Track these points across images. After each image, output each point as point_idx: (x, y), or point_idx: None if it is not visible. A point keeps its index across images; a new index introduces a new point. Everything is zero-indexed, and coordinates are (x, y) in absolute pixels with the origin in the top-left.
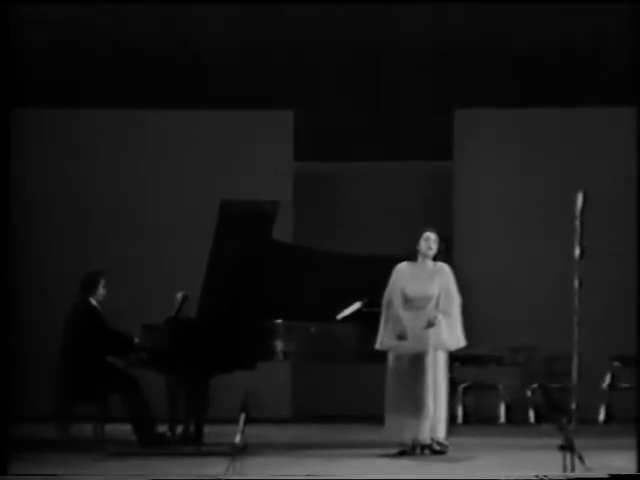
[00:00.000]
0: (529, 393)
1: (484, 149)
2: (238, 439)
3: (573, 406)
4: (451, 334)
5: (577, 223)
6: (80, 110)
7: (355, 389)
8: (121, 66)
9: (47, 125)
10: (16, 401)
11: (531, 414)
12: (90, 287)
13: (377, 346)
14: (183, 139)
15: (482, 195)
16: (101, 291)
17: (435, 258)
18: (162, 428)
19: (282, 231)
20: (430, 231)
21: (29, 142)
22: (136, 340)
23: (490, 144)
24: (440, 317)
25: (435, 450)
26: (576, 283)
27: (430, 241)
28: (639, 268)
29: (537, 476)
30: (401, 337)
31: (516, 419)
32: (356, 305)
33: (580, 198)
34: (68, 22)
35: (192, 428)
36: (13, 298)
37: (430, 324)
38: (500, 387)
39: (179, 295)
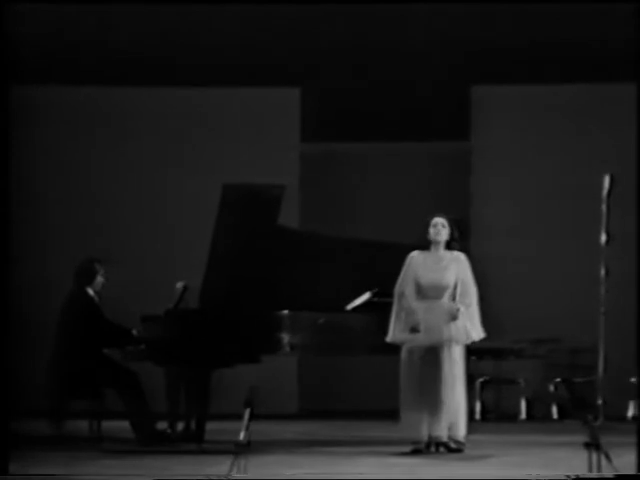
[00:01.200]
0: (552, 388)
1: (504, 128)
2: (242, 436)
3: (599, 401)
4: (468, 326)
5: (603, 207)
6: (77, 88)
7: (366, 383)
8: (121, 43)
9: (46, 103)
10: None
11: (554, 410)
12: (87, 276)
13: (388, 339)
14: (182, 119)
15: (501, 177)
16: (99, 280)
17: (450, 246)
18: (162, 425)
19: (288, 216)
20: (438, 216)
21: (28, 120)
22: (134, 332)
23: (510, 122)
24: (462, 309)
25: (451, 448)
26: (602, 271)
27: (438, 227)
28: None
29: (568, 476)
30: (414, 330)
31: (538, 415)
32: (367, 295)
33: (607, 181)
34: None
35: (193, 425)
36: (13, 291)
37: (453, 317)
38: (520, 381)
39: (179, 285)
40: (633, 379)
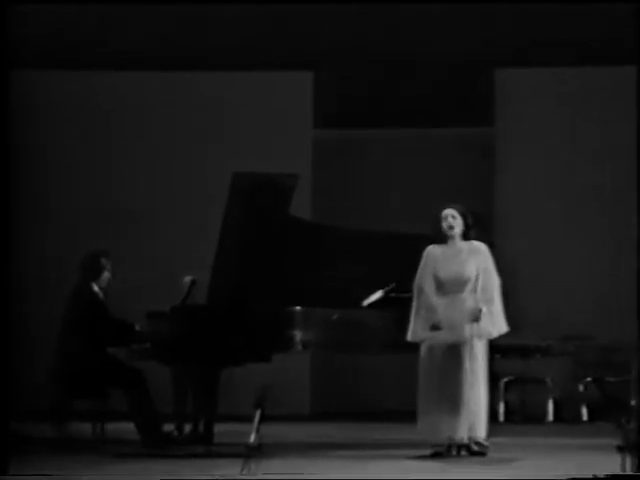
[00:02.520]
0: (582, 387)
1: (530, 113)
2: (252, 439)
3: (633, 402)
4: (491, 320)
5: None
6: (84, 72)
7: (382, 383)
8: (130, 26)
9: (49, 87)
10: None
11: (584, 411)
12: (92, 270)
13: (409, 338)
14: (190, 104)
15: (527, 165)
16: (105, 275)
17: (467, 236)
18: (168, 426)
19: (299, 207)
20: (448, 208)
21: (29, 105)
22: (137, 327)
23: (537, 107)
24: (485, 309)
25: (473, 451)
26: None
27: (448, 219)
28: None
29: (595, 475)
30: (435, 327)
31: (567, 417)
32: (383, 290)
33: None
34: None
35: (201, 427)
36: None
37: (475, 319)
38: (548, 381)
39: (187, 279)
40: None
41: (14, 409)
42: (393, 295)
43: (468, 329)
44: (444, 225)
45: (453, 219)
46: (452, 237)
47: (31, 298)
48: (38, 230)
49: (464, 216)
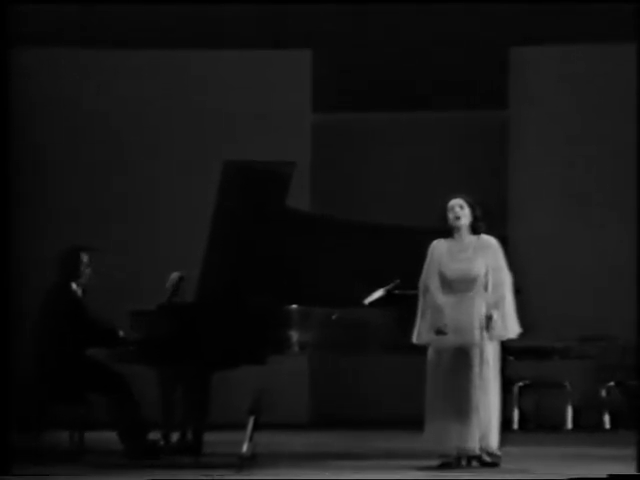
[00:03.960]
0: (604, 393)
1: (547, 95)
2: (245, 448)
3: None
4: (503, 320)
5: None
6: (83, 50)
7: (386, 388)
8: (123, 3)
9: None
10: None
11: (606, 418)
12: (71, 267)
13: (414, 340)
14: (182, 85)
15: (544, 151)
16: (86, 272)
17: (475, 229)
18: (154, 435)
19: (298, 197)
20: (454, 198)
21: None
22: (121, 333)
23: (555, 89)
24: (495, 316)
25: (485, 462)
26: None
27: (455, 210)
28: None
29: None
30: (440, 332)
31: (587, 424)
32: (387, 287)
33: None
34: None
35: (190, 435)
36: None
37: (487, 326)
38: (566, 385)
39: (174, 275)
40: None
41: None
42: (398, 292)
43: (477, 331)
44: (450, 216)
45: (460, 209)
46: (458, 229)
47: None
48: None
49: (472, 207)
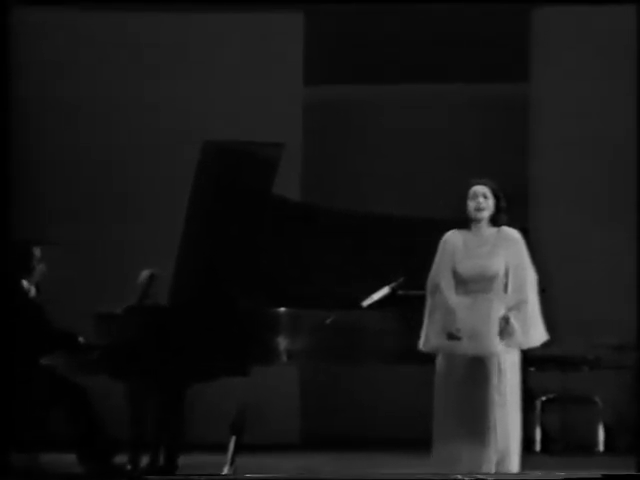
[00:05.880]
0: None
1: (573, 64)
2: (226, 471)
3: None
4: (526, 326)
5: None
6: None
7: (388, 404)
8: None
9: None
10: None
11: None
12: (22, 264)
13: (421, 346)
14: (154, 54)
15: (568, 128)
16: (39, 269)
17: (497, 221)
18: (120, 457)
19: (286, 183)
20: (478, 184)
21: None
22: (80, 339)
23: (583, 57)
24: (512, 317)
25: None
26: None
27: (478, 199)
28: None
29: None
30: (452, 336)
31: (621, 446)
32: (389, 287)
33: None
34: None
35: (163, 457)
36: None
37: (501, 331)
38: (597, 401)
39: (145, 273)
40: None
41: None
42: (401, 293)
43: (495, 337)
44: (472, 206)
45: (484, 199)
46: (478, 222)
47: None
48: None
49: (497, 197)
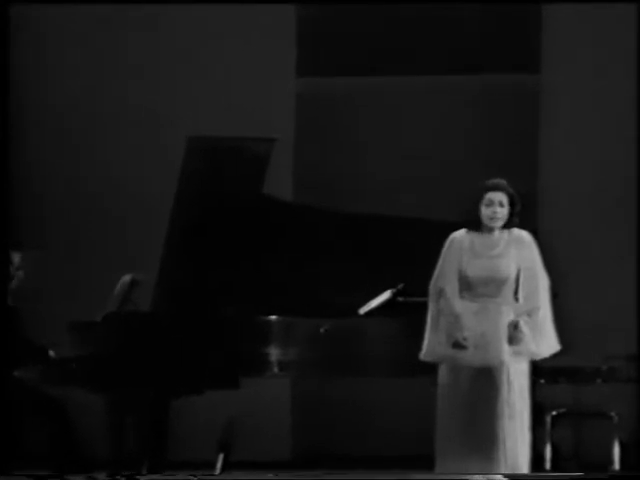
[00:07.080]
0: None
1: (587, 56)
2: None
3: None
4: (537, 335)
5: None
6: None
7: (387, 418)
8: None
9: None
10: None
11: None
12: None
13: (423, 356)
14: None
15: (582, 123)
16: (17, 274)
17: (507, 223)
18: (98, 476)
19: (278, 181)
20: (495, 190)
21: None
22: (51, 353)
23: (596, 49)
24: (522, 323)
25: None
26: None
27: (494, 207)
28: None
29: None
30: (458, 345)
31: (638, 464)
32: (388, 293)
33: None
34: None
35: (144, 475)
36: None
37: (510, 339)
38: (613, 415)
39: (125, 278)
40: None
41: None
42: (401, 300)
43: (505, 347)
44: (487, 213)
45: (501, 208)
46: (491, 228)
47: None
48: None
49: (514, 203)
